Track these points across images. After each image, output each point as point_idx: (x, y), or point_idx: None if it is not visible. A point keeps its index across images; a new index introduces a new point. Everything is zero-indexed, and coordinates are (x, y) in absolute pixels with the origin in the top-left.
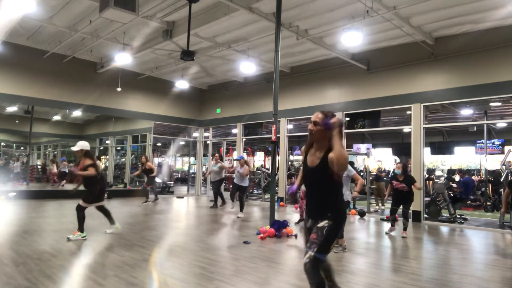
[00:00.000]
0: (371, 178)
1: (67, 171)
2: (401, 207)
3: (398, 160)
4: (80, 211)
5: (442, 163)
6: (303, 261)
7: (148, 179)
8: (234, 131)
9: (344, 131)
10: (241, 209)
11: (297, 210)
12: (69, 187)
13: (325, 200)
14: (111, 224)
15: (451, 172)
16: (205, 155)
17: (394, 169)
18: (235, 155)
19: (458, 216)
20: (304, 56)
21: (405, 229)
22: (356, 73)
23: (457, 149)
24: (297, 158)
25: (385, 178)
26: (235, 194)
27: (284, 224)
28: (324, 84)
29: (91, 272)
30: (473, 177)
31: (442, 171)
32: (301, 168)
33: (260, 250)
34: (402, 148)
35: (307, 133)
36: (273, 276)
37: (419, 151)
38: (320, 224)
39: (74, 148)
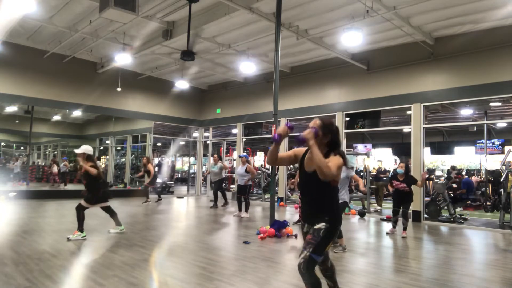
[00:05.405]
0: (371, 178)
1: (67, 171)
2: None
3: (398, 160)
4: (80, 211)
5: (442, 163)
6: (297, 261)
7: (149, 180)
8: (234, 131)
9: (344, 131)
10: (247, 209)
11: (297, 210)
12: (70, 187)
13: (321, 203)
14: (116, 225)
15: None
16: (205, 155)
17: (395, 169)
18: (235, 155)
19: (458, 216)
20: (304, 56)
21: (405, 229)
22: (356, 73)
23: (457, 149)
24: None
25: (384, 178)
26: (241, 199)
27: (284, 224)
28: (324, 84)
29: (91, 272)
30: (472, 178)
31: (442, 171)
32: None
33: (260, 250)
34: (402, 148)
35: None
36: (273, 276)
37: (419, 151)
38: (317, 226)
39: (78, 151)
